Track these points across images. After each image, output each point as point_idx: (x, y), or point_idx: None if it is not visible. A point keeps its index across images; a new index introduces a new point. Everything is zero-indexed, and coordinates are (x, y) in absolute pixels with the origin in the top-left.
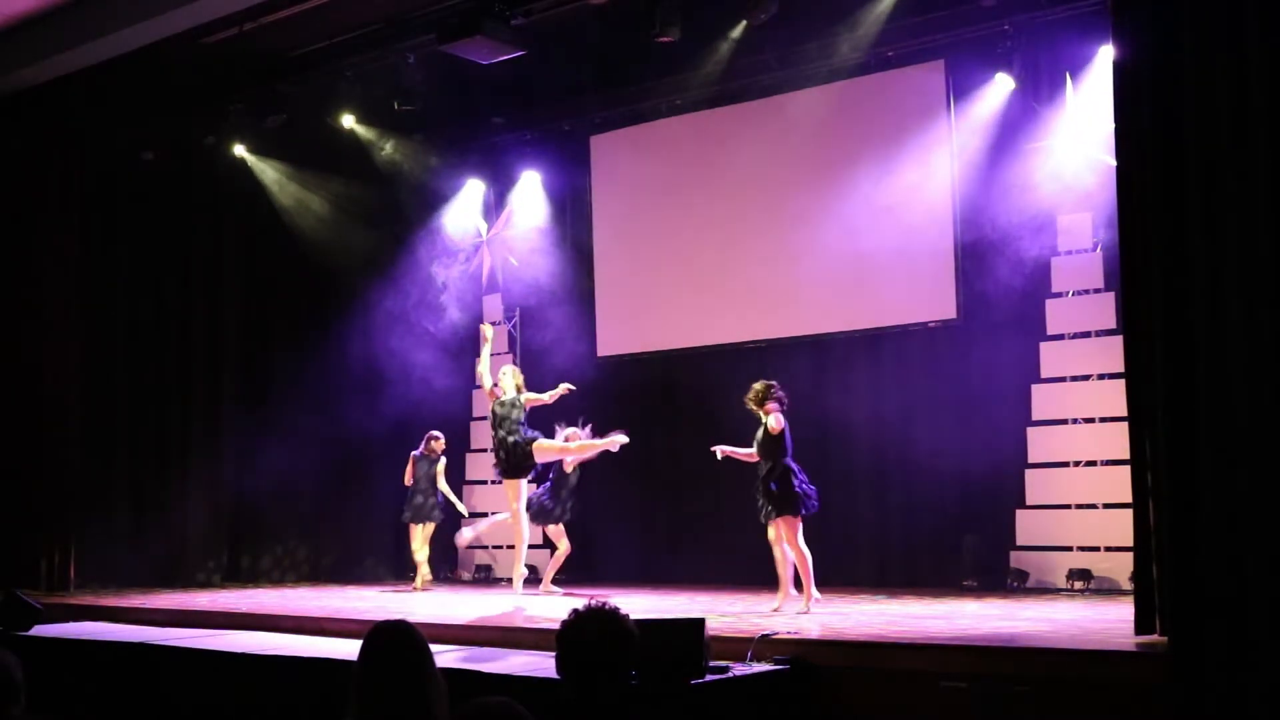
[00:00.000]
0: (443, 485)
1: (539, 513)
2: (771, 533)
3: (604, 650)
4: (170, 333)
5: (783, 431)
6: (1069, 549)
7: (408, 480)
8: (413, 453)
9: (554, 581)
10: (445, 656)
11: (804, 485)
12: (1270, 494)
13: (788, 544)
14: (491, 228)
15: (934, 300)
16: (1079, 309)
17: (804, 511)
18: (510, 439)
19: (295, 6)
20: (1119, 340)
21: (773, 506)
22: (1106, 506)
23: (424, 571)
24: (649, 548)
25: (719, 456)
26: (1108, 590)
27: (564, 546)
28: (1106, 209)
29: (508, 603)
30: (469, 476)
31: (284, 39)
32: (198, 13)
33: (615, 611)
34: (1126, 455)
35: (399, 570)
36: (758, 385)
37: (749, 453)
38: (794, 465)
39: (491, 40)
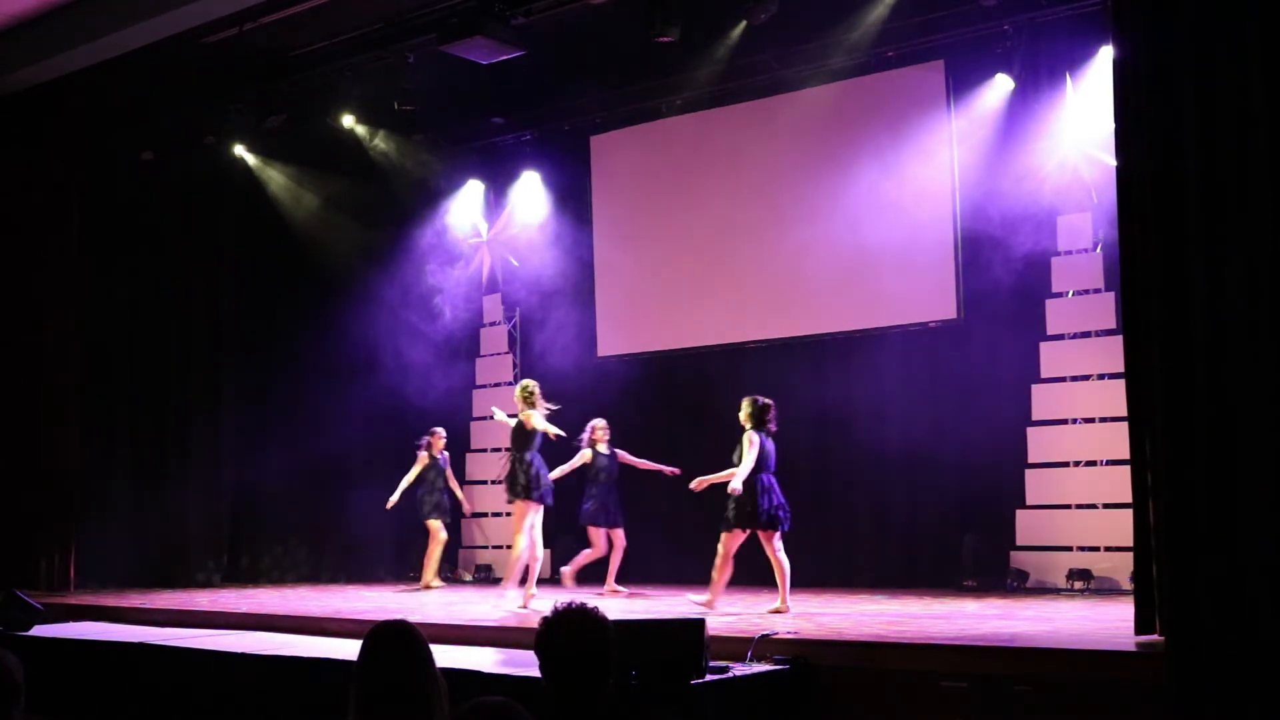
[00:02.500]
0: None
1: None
2: (764, 542)
3: (586, 649)
4: (170, 333)
5: (758, 448)
6: (1069, 549)
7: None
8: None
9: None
10: (445, 656)
11: (777, 501)
12: (1269, 494)
13: (723, 553)
14: (491, 228)
15: (934, 300)
16: (1079, 309)
17: (784, 527)
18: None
19: (295, 6)
20: (1119, 340)
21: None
22: (1106, 506)
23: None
24: (649, 548)
25: (697, 489)
26: (1108, 590)
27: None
28: (1106, 209)
29: (509, 603)
30: (469, 477)
31: (284, 39)
32: (198, 13)
33: (587, 610)
34: (1126, 455)
35: (399, 570)
36: (755, 405)
37: (729, 473)
38: (767, 481)
39: (491, 40)
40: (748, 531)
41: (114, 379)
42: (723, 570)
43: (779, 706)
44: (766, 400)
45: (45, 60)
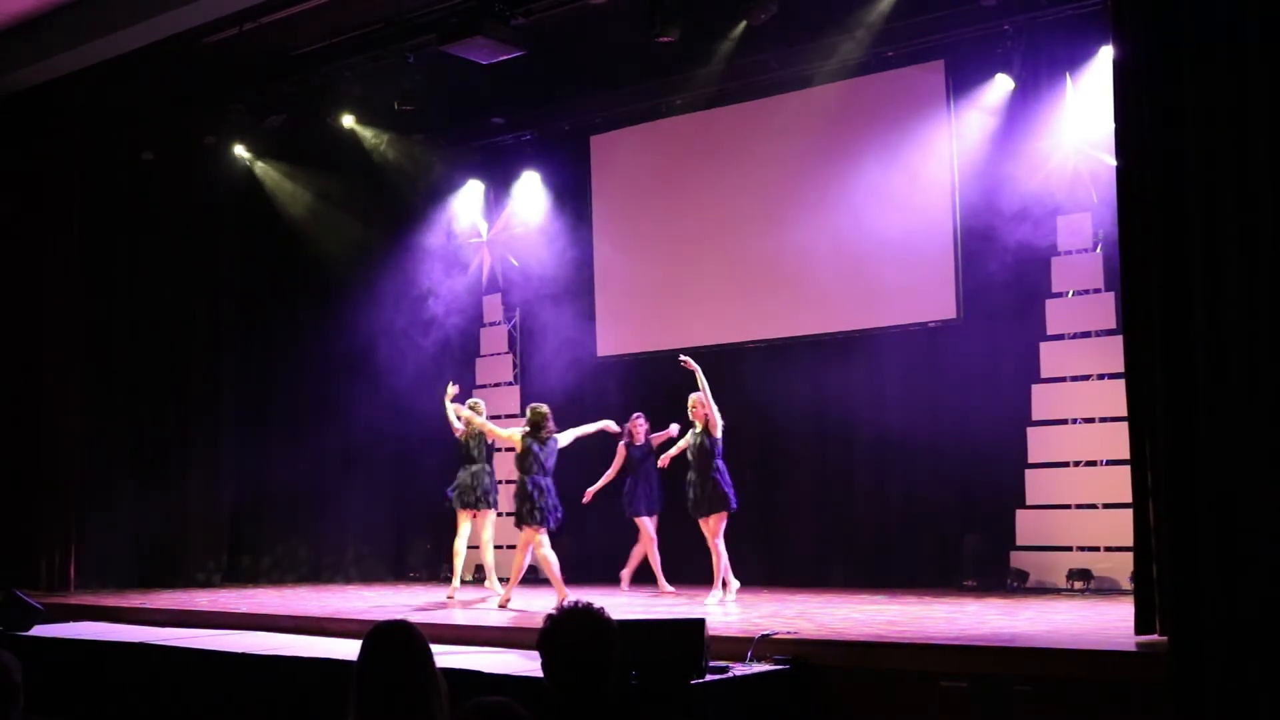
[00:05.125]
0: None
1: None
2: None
3: (588, 649)
4: (170, 333)
5: (527, 451)
6: (1069, 549)
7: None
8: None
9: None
10: (445, 657)
11: (551, 500)
12: (1269, 494)
13: (521, 548)
14: (491, 228)
15: (934, 300)
16: (1079, 309)
17: (549, 525)
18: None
19: (295, 6)
20: (1119, 340)
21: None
22: (1106, 506)
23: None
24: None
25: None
26: (1108, 590)
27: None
28: (1106, 209)
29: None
30: None
31: (284, 39)
32: (198, 13)
33: (593, 609)
34: (1126, 455)
35: (399, 570)
36: (542, 410)
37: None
38: (544, 482)
39: (491, 40)
40: (539, 529)
41: (114, 379)
42: (545, 568)
43: (779, 706)
44: (540, 408)
45: (45, 60)
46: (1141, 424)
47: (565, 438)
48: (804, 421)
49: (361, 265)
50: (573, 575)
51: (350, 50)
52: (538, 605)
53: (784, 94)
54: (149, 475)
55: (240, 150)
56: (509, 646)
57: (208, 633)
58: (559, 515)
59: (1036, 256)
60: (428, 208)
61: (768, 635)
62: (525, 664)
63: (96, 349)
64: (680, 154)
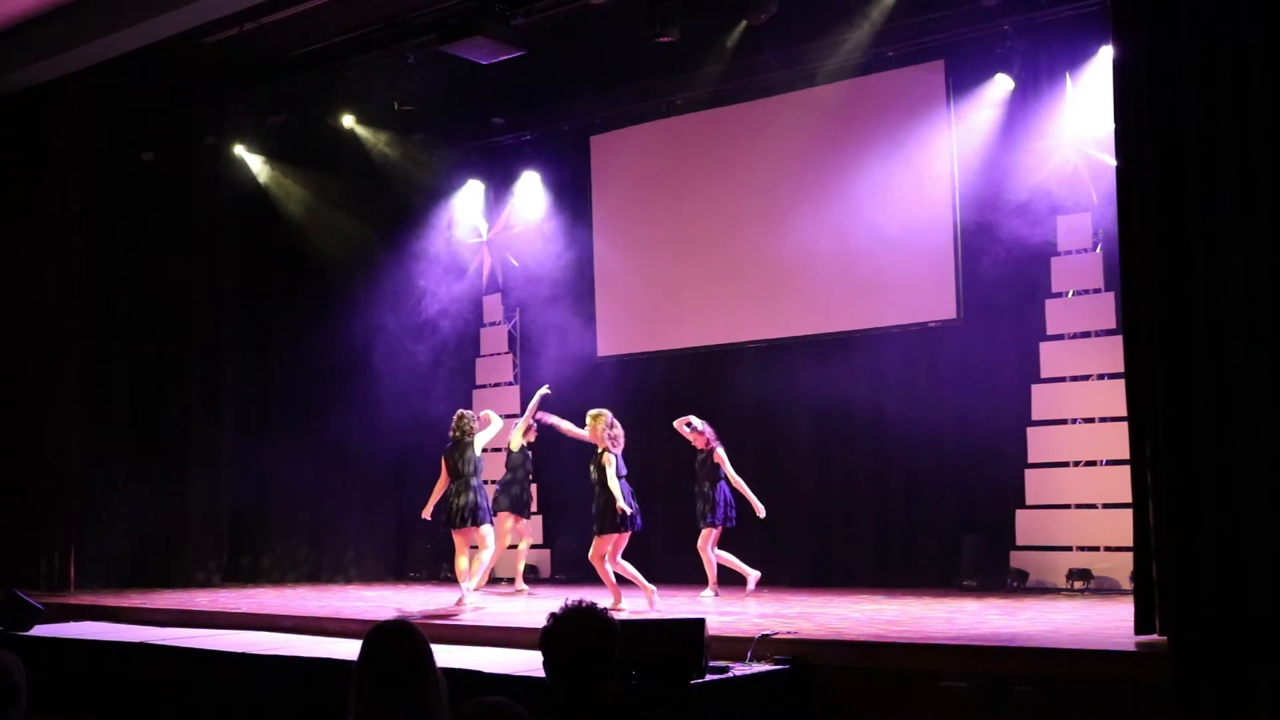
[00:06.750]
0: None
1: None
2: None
3: (592, 648)
4: (170, 333)
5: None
6: (1069, 549)
7: None
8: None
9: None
10: (445, 656)
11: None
12: (1270, 494)
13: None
14: (491, 228)
15: (934, 300)
16: (1079, 309)
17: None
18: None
19: (295, 6)
20: (1119, 340)
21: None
22: (1106, 506)
23: None
24: (649, 548)
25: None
26: (1108, 590)
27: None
28: (1106, 209)
29: (507, 602)
30: None
31: (284, 39)
32: (198, 13)
33: (597, 607)
34: (1126, 455)
35: (399, 570)
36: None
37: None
38: (450, 487)
39: (491, 40)
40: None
41: (114, 379)
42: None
43: (779, 706)
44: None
45: (45, 60)
46: (1141, 424)
47: (485, 436)
48: (804, 421)
49: (361, 265)
50: (573, 574)
51: (350, 50)
52: (538, 606)
53: (783, 94)
54: (149, 475)
55: (240, 150)
56: (509, 646)
57: (208, 633)
58: (465, 516)
59: (1036, 256)
60: (428, 208)
61: (768, 635)
62: (525, 664)
63: (97, 349)
64: (680, 154)
